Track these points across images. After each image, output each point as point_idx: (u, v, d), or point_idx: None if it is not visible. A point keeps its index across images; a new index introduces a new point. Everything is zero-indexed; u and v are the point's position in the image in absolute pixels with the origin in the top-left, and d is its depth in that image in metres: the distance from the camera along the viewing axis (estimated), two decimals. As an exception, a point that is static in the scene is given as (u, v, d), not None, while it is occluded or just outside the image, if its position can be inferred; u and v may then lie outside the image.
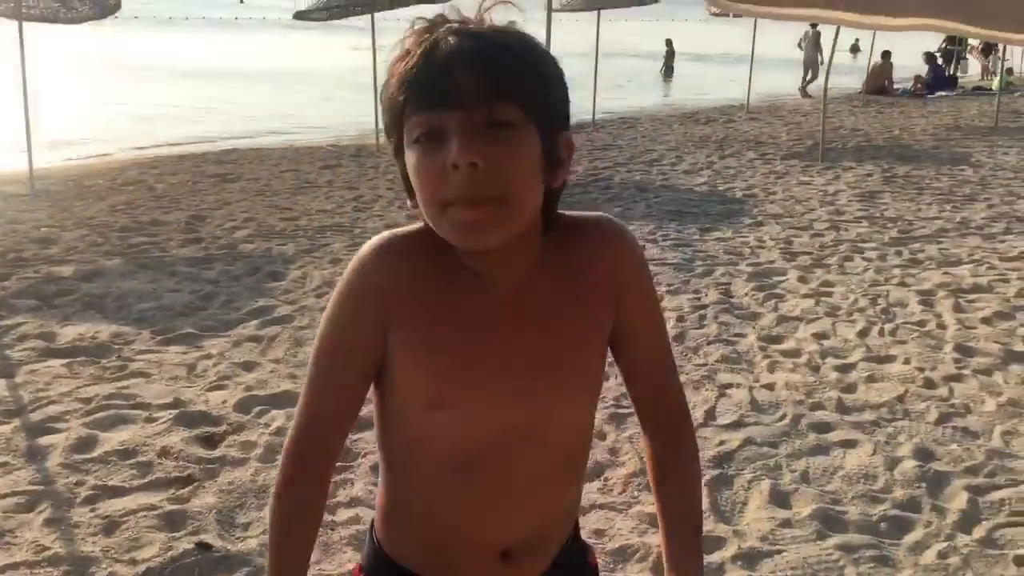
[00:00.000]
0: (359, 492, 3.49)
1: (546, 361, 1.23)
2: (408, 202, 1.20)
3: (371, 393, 1.29)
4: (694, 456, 1.40)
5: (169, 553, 3.09)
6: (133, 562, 3.05)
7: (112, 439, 3.89)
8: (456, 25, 1.12)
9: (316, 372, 1.26)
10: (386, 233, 1.24)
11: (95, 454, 3.76)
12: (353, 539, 3.19)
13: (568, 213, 1.29)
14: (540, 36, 8.48)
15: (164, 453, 3.77)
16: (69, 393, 4.33)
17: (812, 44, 20.99)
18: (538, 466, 1.26)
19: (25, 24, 9.22)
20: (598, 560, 3.10)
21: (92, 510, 3.35)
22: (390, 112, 1.14)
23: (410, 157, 1.13)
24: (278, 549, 1.28)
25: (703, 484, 3.59)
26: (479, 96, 1.07)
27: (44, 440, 3.87)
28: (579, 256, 1.26)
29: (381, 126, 1.21)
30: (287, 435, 1.30)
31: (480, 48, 1.09)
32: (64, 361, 4.71)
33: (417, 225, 1.23)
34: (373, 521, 1.38)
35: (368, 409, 1.32)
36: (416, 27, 1.14)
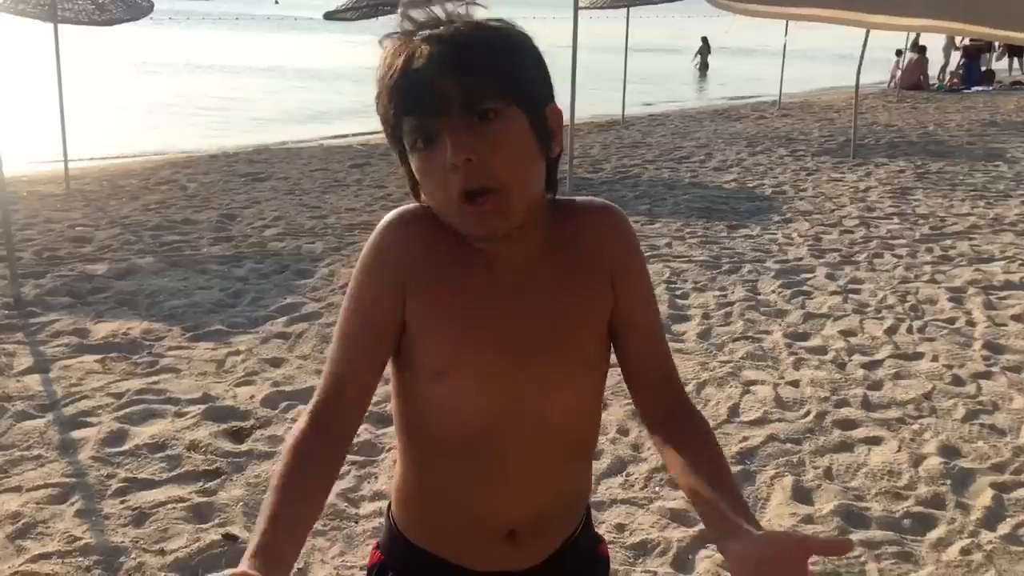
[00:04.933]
0: (383, 486, 3.54)
1: (544, 338, 1.27)
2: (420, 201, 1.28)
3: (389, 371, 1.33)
4: (708, 426, 1.34)
5: (197, 544, 3.15)
6: (162, 552, 3.12)
7: (143, 433, 3.97)
8: (426, 32, 1.18)
9: (339, 341, 1.27)
10: (398, 209, 1.30)
11: (126, 447, 3.84)
12: (376, 532, 3.23)
13: (573, 198, 1.35)
14: (567, 33, 8.47)
15: (193, 447, 3.84)
16: (101, 388, 4.42)
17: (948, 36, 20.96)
18: (538, 443, 1.30)
19: (60, 26, 9.37)
20: (615, 553, 3.13)
21: (122, 502, 3.42)
22: (386, 124, 1.22)
23: (414, 163, 1.21)
24: (276, 494, 1.12)
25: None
26: (459, 97, 1.14)
27: (77, 434, 3.96)
28: (578, 238, 1.32)
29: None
30: (311, 400, 1.27)
31: (452, 51, 1.15)
32: (97, 357, 4.80)
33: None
34: (390, 503, 1.43)
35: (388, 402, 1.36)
36: (387, 41, 1.21)
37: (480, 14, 1.22)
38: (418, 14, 1.20)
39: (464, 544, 1.35)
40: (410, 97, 1.16)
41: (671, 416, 1.34)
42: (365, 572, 1.47)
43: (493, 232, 1.21)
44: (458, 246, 1.26)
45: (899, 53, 20.94)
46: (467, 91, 1.14)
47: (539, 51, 1.24)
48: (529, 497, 1.33)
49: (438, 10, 1.19)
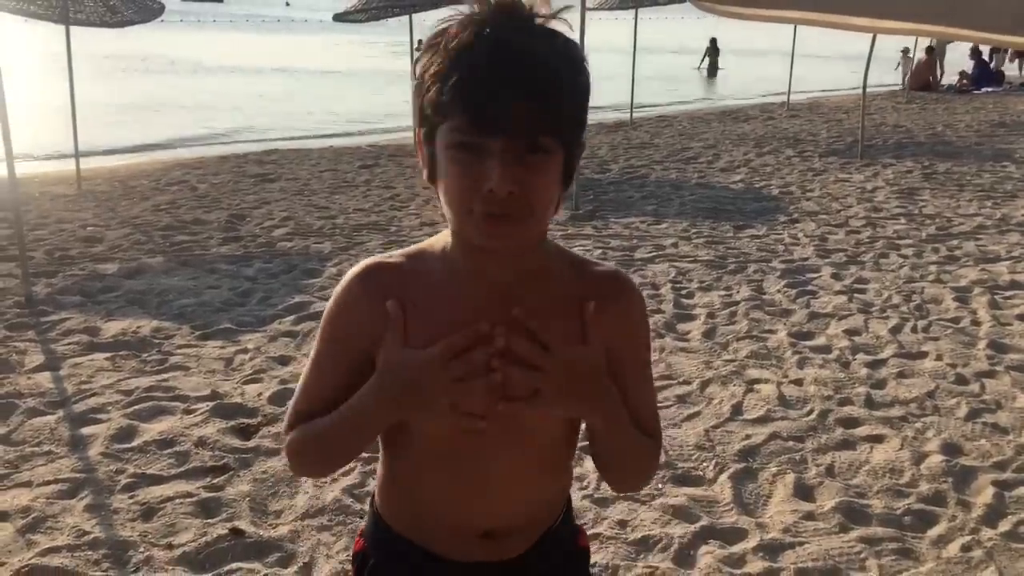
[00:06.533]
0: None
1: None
2: (423, 174, 1.26)
3: None
4: (653, 452, 1.42)
5: (204, 538, 3.19)
6: (170, 547, 3.16)
7: (151, 429, 4.01)
8: (505, 24, 1.13)
9: (311, 374, 1.36)
10: (363, 264, 1.31)
11: (135, 444, 3.88)
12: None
13: (588, 260, 1.36)
14: (575, 35, 8.44)
15: (201, 443, 3.89)
16: (111, 385, 4.47)
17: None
18: (518, 460, 1.32)
19: (72, 28, 9.44)
20: (618, 549, 3.15)
21: (131, 497, 3.47)
22: (436, 108, 1.15)
23: (445, 159, 1.17)
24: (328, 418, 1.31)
25: (727, 477, 3.63)
26: (524, 127, 1.11)
27: (87, 430, 4.01)
28: (584, 293, 1.30)
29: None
30: (285, 416, 1.39)
31: (534, 77, 1.11)
32: (107, 355, 4.85)
33: (402, 251, 1.33)
34: (374, 493, 1.46)
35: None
36: (464, 10, 1.16)
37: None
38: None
39: (442, 539, 1.38)
40: (472, 102, 1.10)
41: None
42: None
43: (503, 250, 1.21)
44: (439, 281, 1.27)
45: (905, 52, 20.93)
46: (533, 124, 1.12)
47: (590, 82, 1.22)
48: (506, 504, 1.36)
49: None
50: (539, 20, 1.16)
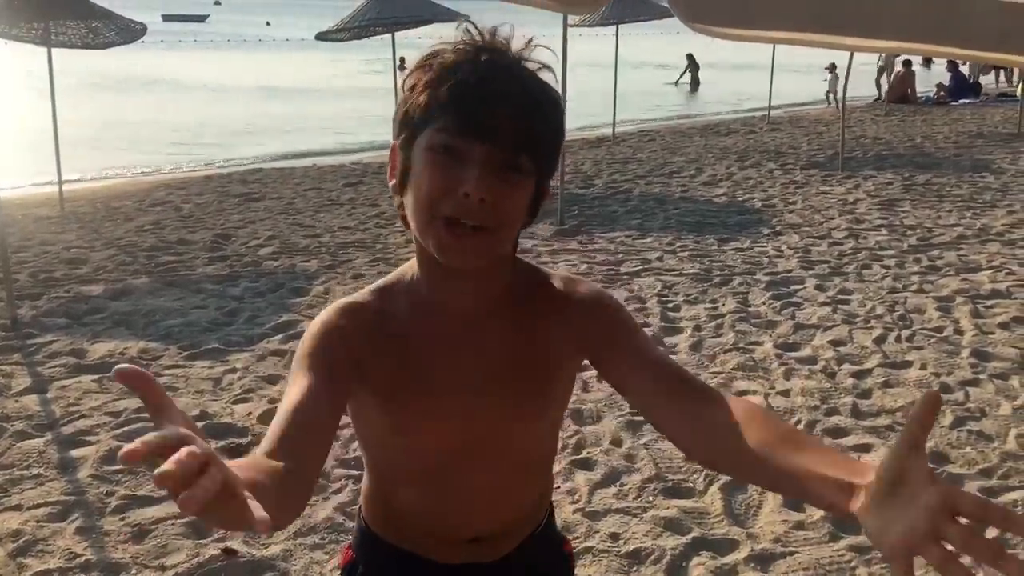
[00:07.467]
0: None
1: (501, 387, 1.29)
2: (390, 184, 1.27)
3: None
4: (758, 408, 1.17)
5: (196, 559, 3.19)
6: (162, 568, 3.16)
7: (141, 451, 4.00)
8: (500, 60, 1.18)
9: (282, 423, 1.20)
10: (339, 302, 1.33)
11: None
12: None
13: (556, 273, 1.39)
14: (557, 50, 8.50)
15: (191, 464, 3.88)
16: (99, 407, 4.46)
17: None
18: (499, 468, 1.35)
19: (54, 50, 9.43)
20: (610, 562, 3.17)
21: (122, 519, 3.46)
22: (423, 112, 1.17)
23: (422, 161, 1.18)
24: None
25: (717, 488, 3.65)
26: (509, 141, 1.16)
27: (75, 452, 4.00)
28: (549, 304, 1.33)
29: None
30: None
31: (522, 97, 1.17)
32: (94, 377, 4.84)
33: (370, 288, 1.35)
34: (360, 505, 1.49)
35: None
36: (465, 34, 1.20)
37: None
38: (483, 30, 1.21)
39: (430, 545, 1.41)
40: (464, 105, 1.15)
41: (720, 410, 1.15)
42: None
43: (463, 264, 1.22)
44: (409, 310, 1.30)
45: (832, 68, 20.77)
46: (517, 139, 1.16)
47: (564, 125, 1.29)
48: (492, 514, 1.39)
49: (504, 31, 1.21)
50: (524, 62, 1.22)
